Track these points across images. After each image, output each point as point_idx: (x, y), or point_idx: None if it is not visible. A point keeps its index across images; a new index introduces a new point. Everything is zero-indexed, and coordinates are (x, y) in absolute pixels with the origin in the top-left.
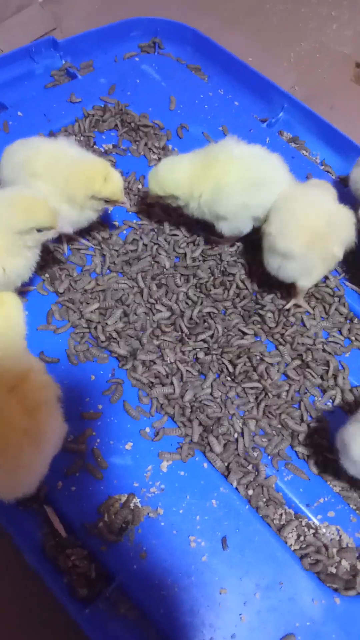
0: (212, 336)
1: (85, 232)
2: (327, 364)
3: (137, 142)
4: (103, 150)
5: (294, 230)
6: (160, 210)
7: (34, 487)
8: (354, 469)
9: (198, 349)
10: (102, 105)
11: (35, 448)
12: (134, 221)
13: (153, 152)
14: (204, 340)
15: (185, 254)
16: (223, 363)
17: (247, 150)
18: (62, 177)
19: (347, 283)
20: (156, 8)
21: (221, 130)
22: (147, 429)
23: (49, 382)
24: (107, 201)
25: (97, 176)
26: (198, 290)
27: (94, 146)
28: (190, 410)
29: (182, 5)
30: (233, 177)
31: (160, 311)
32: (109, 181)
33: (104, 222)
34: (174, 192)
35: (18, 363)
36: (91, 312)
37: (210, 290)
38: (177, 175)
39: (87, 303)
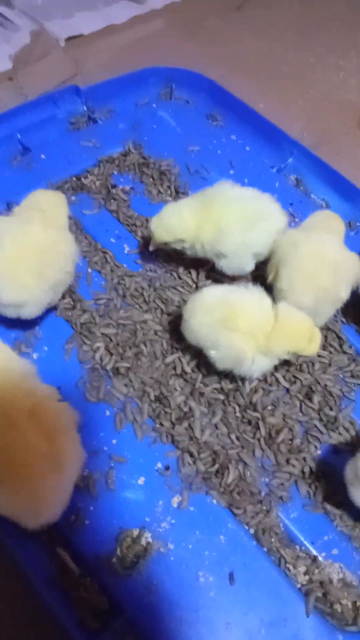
0: (224, 376)
1: (100, 267)
2: (334, 403)
3: (152, 185)
4: (120, 189)
5: (303, 287)
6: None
7: (58, 514)
8: None
9: (211, 389)
10: (121, 150)
11: (57, 473)
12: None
13: (167, 194)
14: (217, 384)
15: None
16: (234, 400)
17: (241, 192)
18: (264, 333)
19: (349, 322)
20: (170, 56)
21: (233, 175)
22: (159, 464)
23: (66, 408)
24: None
25: (304, 337)
26: None
27: (113, 189)
28: (200, 447)
29: (195, 53)
30: (230, 217)
31: (176, 349)
32: (313, 342)
33: (120, 262)
34: (181, 236)
35: (33, 389)
36: (105, 347)
37: None
38: (183, 219)
39: (104, 334)
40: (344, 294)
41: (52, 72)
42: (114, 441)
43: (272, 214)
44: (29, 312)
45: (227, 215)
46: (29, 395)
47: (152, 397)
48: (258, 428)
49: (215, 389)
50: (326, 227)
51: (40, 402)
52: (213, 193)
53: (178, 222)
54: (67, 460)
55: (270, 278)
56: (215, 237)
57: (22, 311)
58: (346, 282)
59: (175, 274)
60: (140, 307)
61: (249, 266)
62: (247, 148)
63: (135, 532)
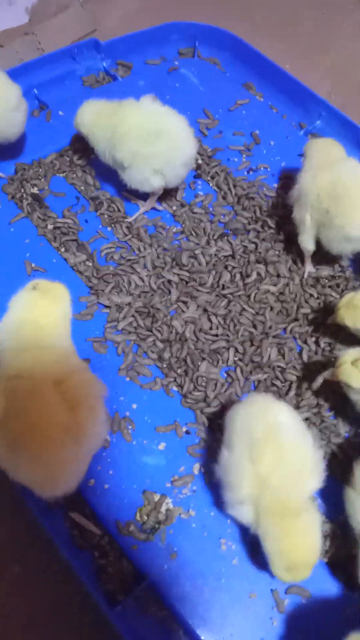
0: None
1: (117, 230)
2: None
3: None
4: None
5: None
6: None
7: (74, 485)
8: None
9: (232, 360)
10: None
11: (75, 446)
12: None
13: None
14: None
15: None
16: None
17: (153, 107)
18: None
19: None
20: (192, 12)
21: (258, 134)
22: (180, 430)
23: (94, 380)
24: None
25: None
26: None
27: None
28: (220, 416)
29: (217, 9)
30: (130, 125)
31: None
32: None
33: (134, 222)
34: (81, 130)
35: (66, 357)
36: (120, 307)
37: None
38: (84, 114)
39: (118, 295)
40: None
41: (69, 27)
42: (134, 405)
43: (177, 132)
44: None
45: (127, 123)
46: (57, 363)
47: (169, 362)
48: None
49: (235, 361)
50: (334, 155)
51: (68, 373)
52: (129, 102)
53: (82, 116)
54: (86, 434)
55: (307, 222)
56: (114, 143)
57: None
58: None
59: (191, 241)
60: (157, 271)
61: (156, 182)
62: (274, 109)
63: (156, 497)
